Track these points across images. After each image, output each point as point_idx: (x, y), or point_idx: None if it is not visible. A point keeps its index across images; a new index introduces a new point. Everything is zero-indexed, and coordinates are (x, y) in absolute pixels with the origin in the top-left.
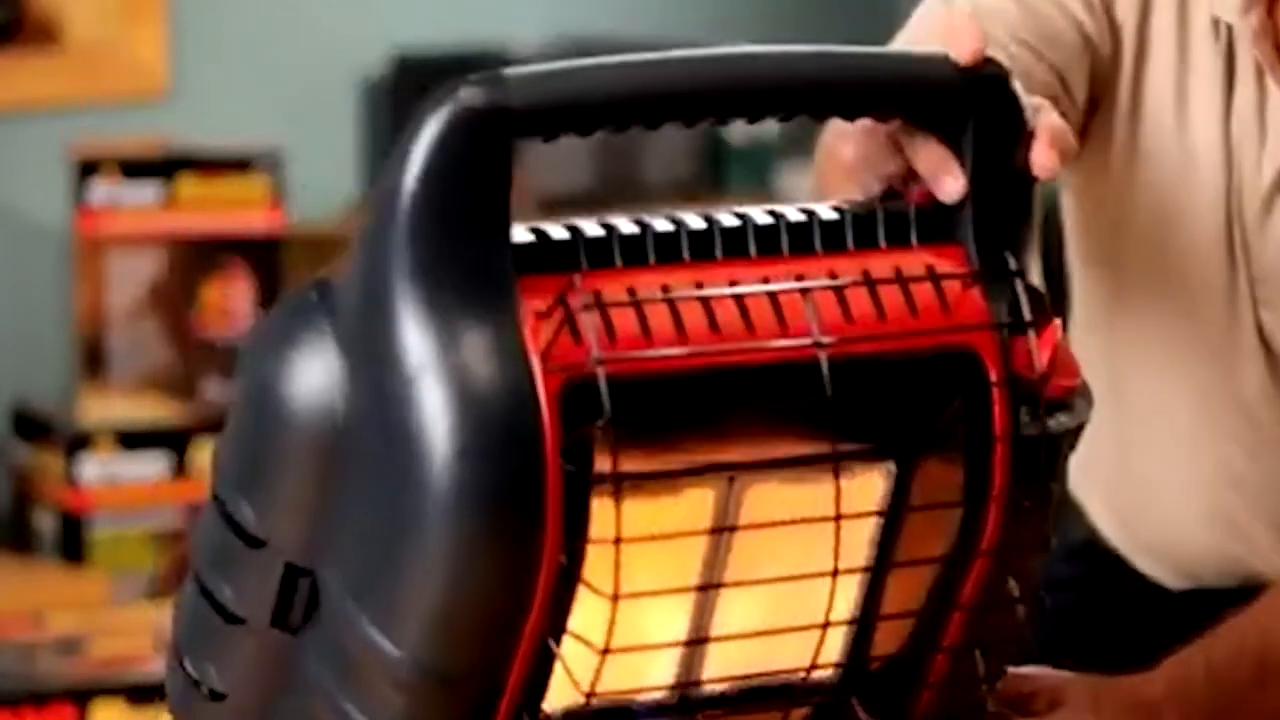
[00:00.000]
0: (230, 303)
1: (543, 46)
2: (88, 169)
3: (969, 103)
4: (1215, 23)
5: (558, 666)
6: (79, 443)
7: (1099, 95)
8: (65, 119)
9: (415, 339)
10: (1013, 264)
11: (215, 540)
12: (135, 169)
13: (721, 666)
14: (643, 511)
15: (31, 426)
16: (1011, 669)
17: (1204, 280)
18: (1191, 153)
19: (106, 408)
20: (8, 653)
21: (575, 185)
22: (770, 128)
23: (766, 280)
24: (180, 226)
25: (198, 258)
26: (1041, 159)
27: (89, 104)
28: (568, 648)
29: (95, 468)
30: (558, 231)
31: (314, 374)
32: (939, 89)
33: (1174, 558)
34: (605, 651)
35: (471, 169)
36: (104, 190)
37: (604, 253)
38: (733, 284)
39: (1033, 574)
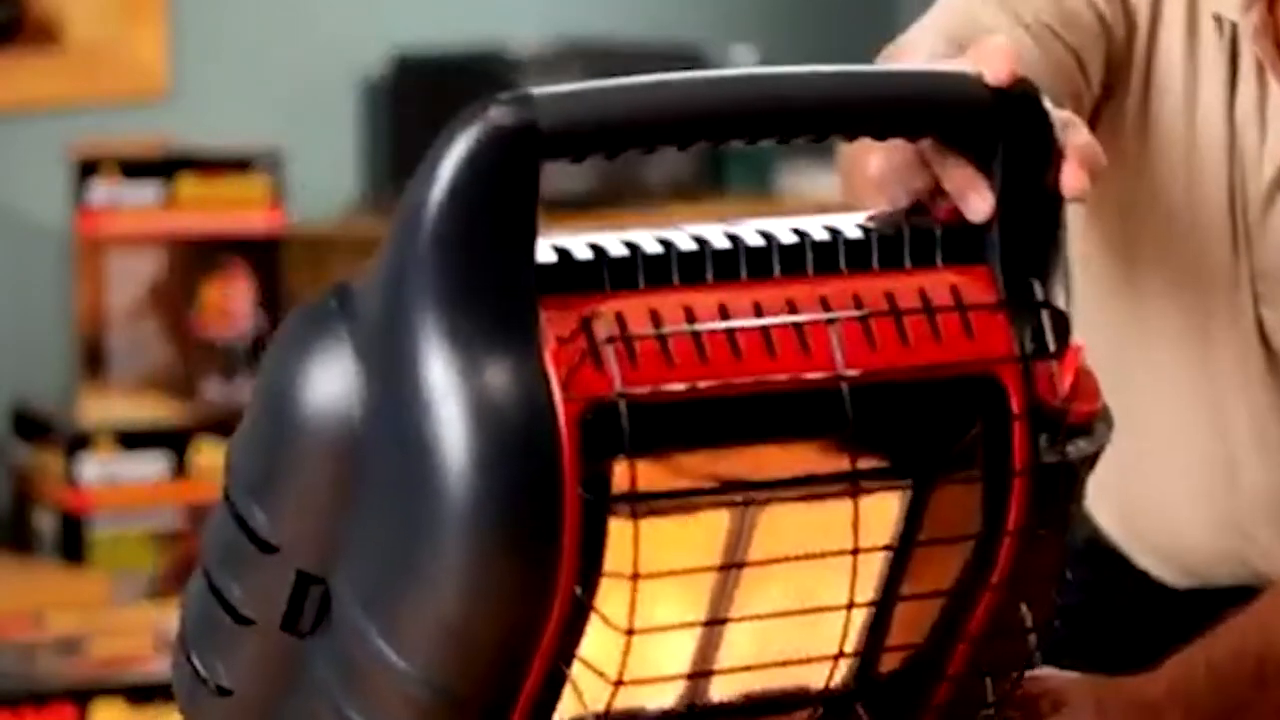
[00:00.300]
0: (230, 303)
1: (542, 47)
2: (88, 169)
3: (1000, 123)
4: (1218, 19)
5: (567, 688)
6: (79, 443)
7: (1113, 80)
8: (65, 119)
9: (436, 361)
10: (1039, 293)
11: (226, 540)
12: (135, 169)
13: (730, 683)
14: (658, 529)
15: (31, 426)
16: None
17: (1211, 274)
18: (1199, 145)
19: (106, 408)
20: (8, 653)
21: (576, 185)
22: None
23: (790, 302)
24: (180, 226)
25: (198, 258)
26: (1071, 180)
27: (89, 104)
28: (579, 670)
29: (95, 468)
30: (581, 250)
31: (331, 382)
32: (971, 109)
33: (1177, 557)
34: (619, 683)
35: (498, 189)
36: (104, 190)
37: (627, 272)
38: (756, 306)
39: (1046, 601)
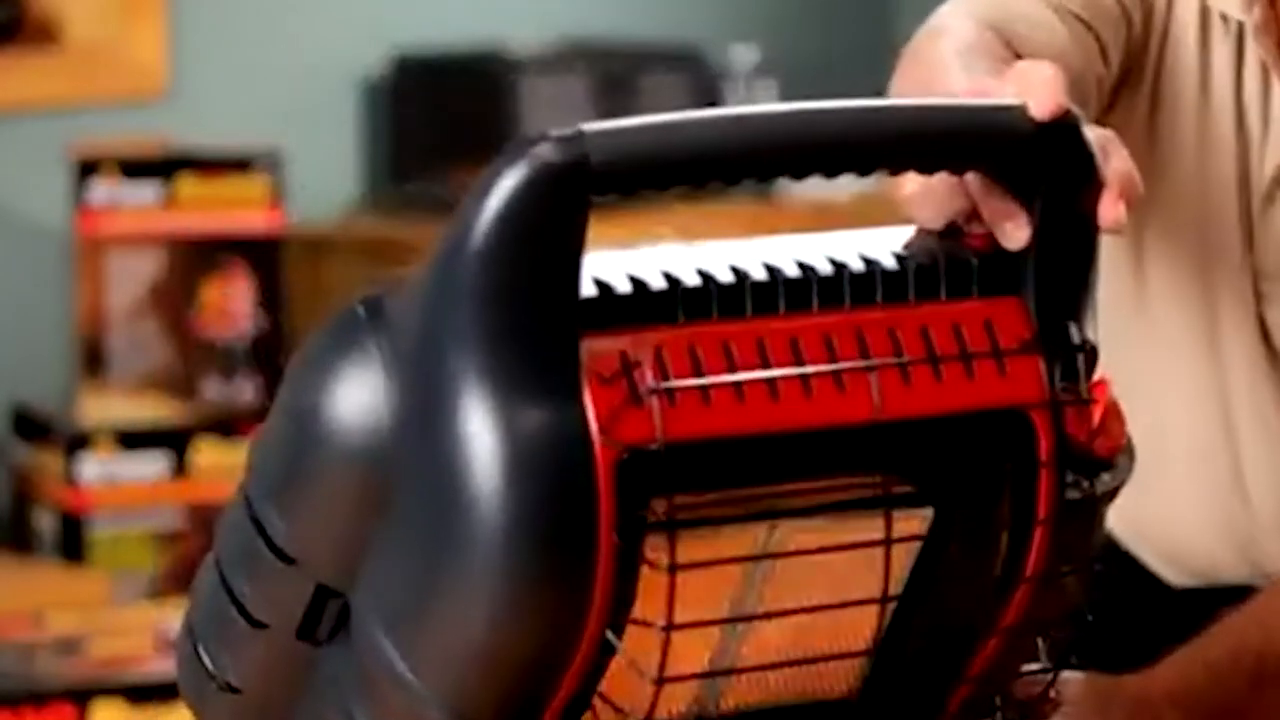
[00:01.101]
0: (230, 303)
1: (543, 47)
2: (88, 169)
3: (1042, 156)
4: (1224, 17)
5: None
6: (79, 443)
7: (1129, 66)
8: (65, 119)
9: (474, 397)
10: (1075, 336)
11: (241, 541)
12: (135, 169)
13: (741, 698)
14: (687, 575)
15: (31, 426)
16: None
17: (1220, 272)
18: (1210, 138)
19: (106, 408)
20: (7, 653)
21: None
22: None
23: (827, 337)
24: (180, 226)
25: (198, 258)
26: (1109, 211)
27: (88, 104)
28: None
29: (95, 468)
30: (620, 282)
31: (359, 394)
32: (1015, 143)
33: (1181, 556)
34: (660, 680)
35: (547, 227)
36: (104, 190)
37: (667, 307)
38: (794, 342)
39: (1062, 633)
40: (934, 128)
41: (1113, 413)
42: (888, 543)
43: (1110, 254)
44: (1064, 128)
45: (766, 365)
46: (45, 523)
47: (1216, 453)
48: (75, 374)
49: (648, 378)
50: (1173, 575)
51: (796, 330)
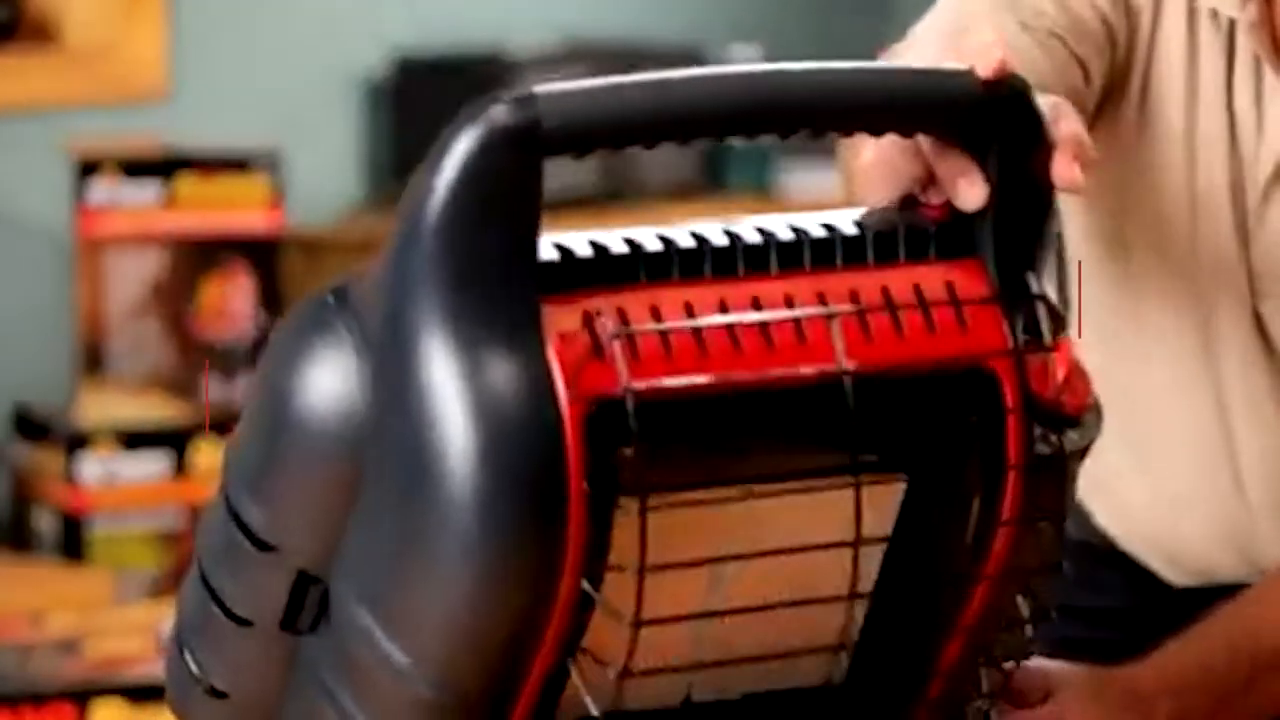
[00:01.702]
0: (230, 303)
1: (543, 47)
2: (87, 169)
3: (991, 117)
4: (1214, 13)
5: (570, 684)
6: (79, 442)
7: (1114, 84)
8: (65, 119)
9: (439, 358)
10: (1034, 286)
11: (222, 539)
12: (135, 169)
13: (726, 677)
14: (659, 524)
15: (31, 426)
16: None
17: (1212, 271)
18: (1200, 140)
19: (106, 407)
20: (7, 652)
21: (576, 185)
22: None
23: (788, 297)
24: (180, 226)
25: (197, 258)
26: (1063, 170)
27: (88, 104)
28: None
29: (95, 467)
30: (582, 247)
31: (332, 379)
32: (962, 105)
33: (1179, 554)
34: (624, 675)
35: (501, 187)
36: (104, 190)
37: (628, 269)
38: (755, 301)
39: (1043, 592)
40: (883, 90)
41: (1077, 372)
42: (856, 486)
43: (1097, 256)
44: (1011, 90)
45: (729, 327)
46: (45, 523)
47: (1213, 449)
48: (75, 374)
49: (609, 327)
50: (1173, 575)
51: (757, 290)
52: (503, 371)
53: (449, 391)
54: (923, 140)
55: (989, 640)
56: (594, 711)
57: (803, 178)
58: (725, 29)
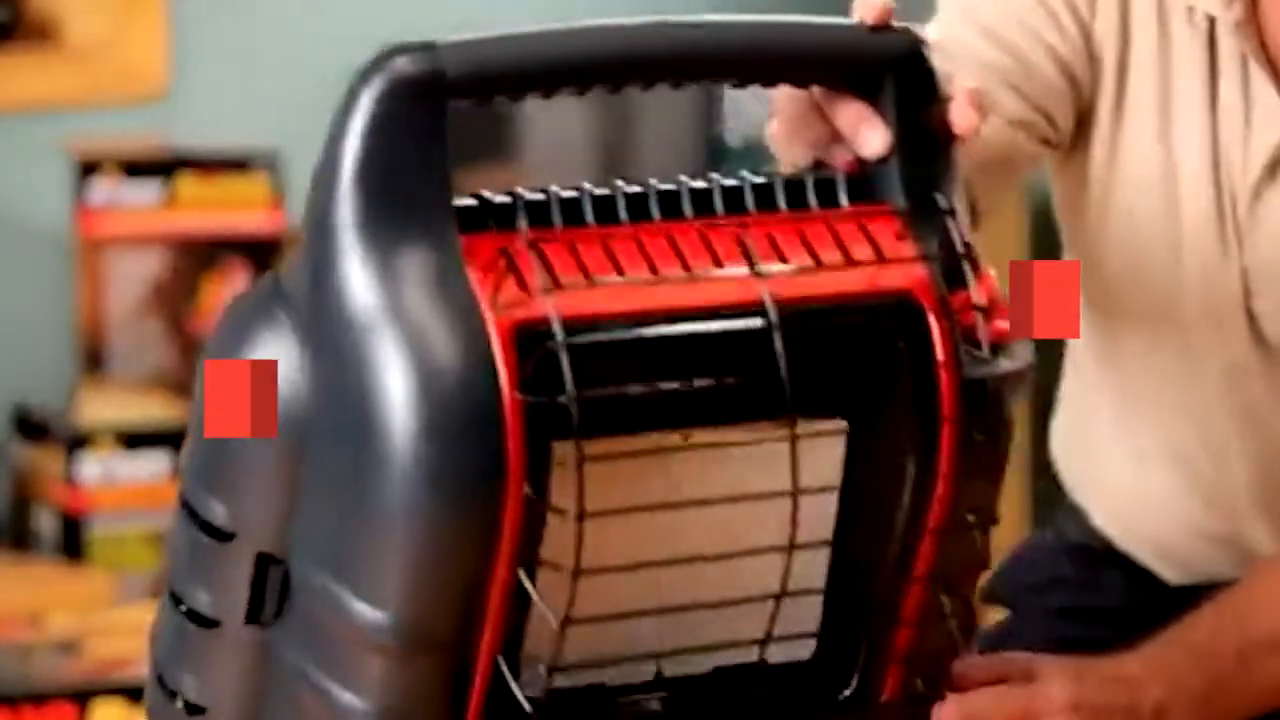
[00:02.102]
0: None
1: None
2: (88, 169)
3: (883, 65)
4: (1190, 11)
5: (531, 631)
6: (79, 443)
7: (1084, 114)
8: (65, 119)
9: (363, 296)
10: (942, 202)
11: (186, 546)
12: (135, 169)
13: (689, 636)
14: (600, 477)
15: (31, 426)
16: (989, 655)
17: (1194, 274)
18: (1177, 152)
19: (106, 408)
20: (7, 653)
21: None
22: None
23: (704, 235)
24: (180, 226)
25: (198, 258)
26: (962, 117)
27: (88, 104)
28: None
29: (95, 467)
30: (498, 197)
31: (275, 360)
32: (849, 53)
33: (1173, 552)
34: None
35: (409, 133)
36: (104, 190)
37: (544, 215)
38: (671, 239)
39: (990, 505)
40: (774, 42)
41: (1001, 301)
42: (791, 424)
43: (1083, 264)
44: (901, 40)
45: (646, 254)
46: (45, 523)
47: (1202, 447)
48: (75, 374)
49: (529, 257)
50: (1169, 574)
51: (673, 230)
52: (425, 298)
53: (375, 329)
54: (821, 98)
55: (948, 576)
56: (553, 622)
57: None
58: None
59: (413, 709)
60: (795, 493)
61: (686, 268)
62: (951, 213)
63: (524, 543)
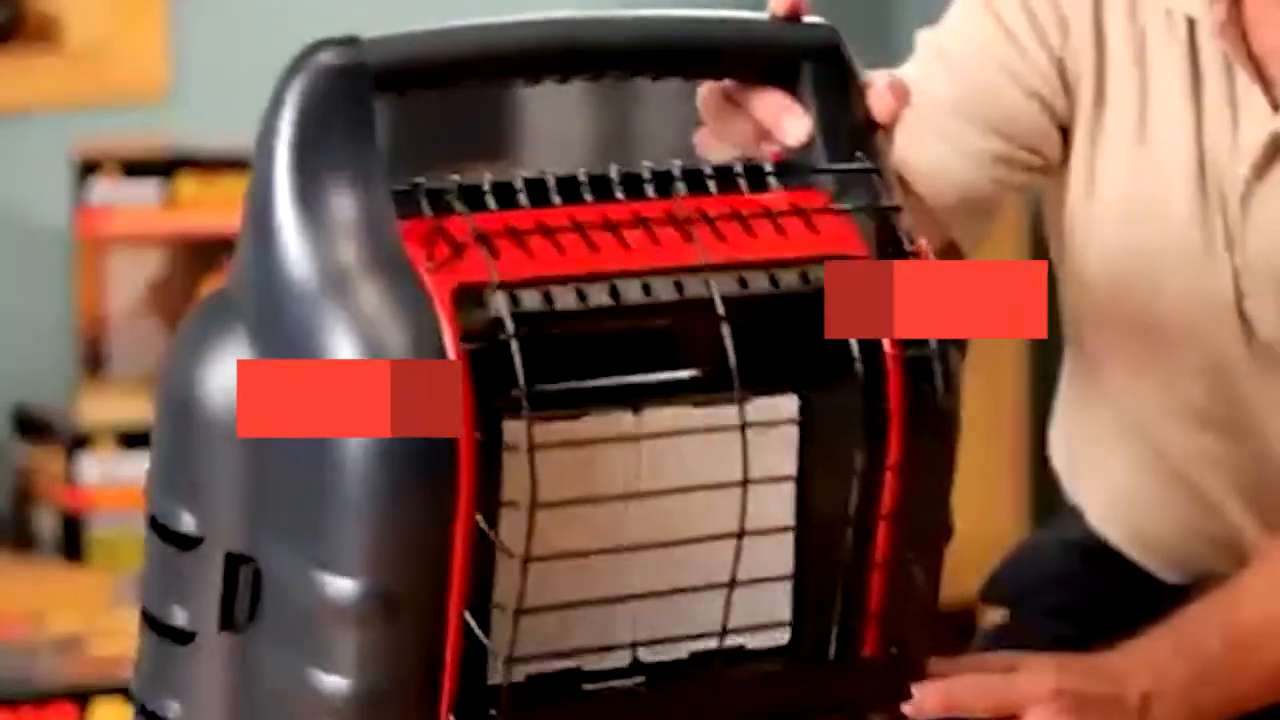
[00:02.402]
0: None
1: None
2: (88, 168)
3: (798, 55)
4: (1169, 15)
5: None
6: (79, 442)
7: (1066, 131)
8: (65, 119)
9: (305, 281)
10: (868, 162)
11: (158, 564)
12: (135, 169)
13: (658, 627)
14: (552, 466)
15: (31, 426)
16: (972, 656)
17: (1182, 277)
18: (1158, 153)
19: (106, 408)
20: (7, 652)
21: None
22: None
23: (637, 213)
24: (180, 226)
25: (198, 257)
26: (881, 102)
27: (89, 104)
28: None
29: (95, 467)
30: (432, 183)
31: (230, 368)
32: (766, 43)
33: (1169, 552)
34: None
35: (337, 123)
36: (104, 190)
37: (476, 197)
38: (605, 217)
39: (944, 463)
40: (694, 35)
41: None
42: (742, 427)
43: (1066, 277)
44: (818, 33)
45: (580, 229)
46: (45, 523)
47: (1194, 445)
48: (75, 374)
49: (467, 230)
50: (1167, 574)
51: (607, 211)
52: (367, 275)
53: (321, 308)
54: (739, 93)
55: (911, 526)
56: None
57: None
58: None
59: (393, 686)
60: (745, 484)
61: (621, 239)
62: (879, 172)
63: (482, 491)
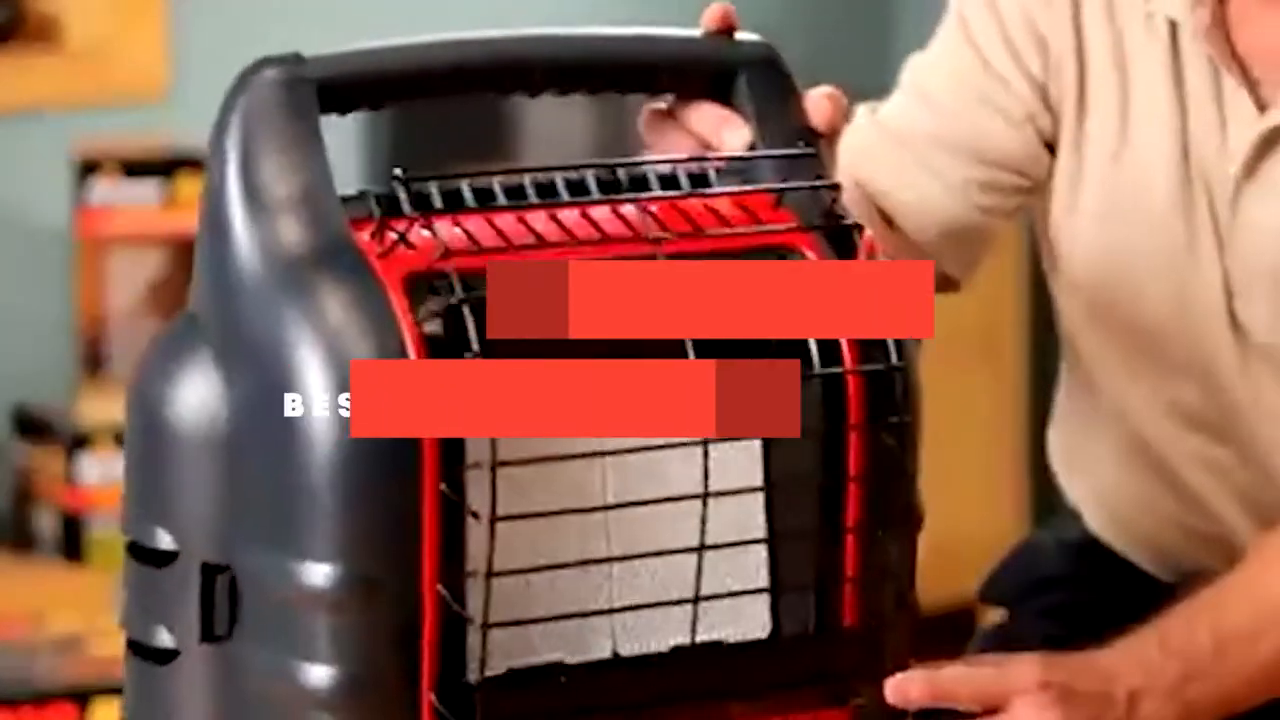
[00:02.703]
0: None
1: None
2: (88, 168)
3: (734, 67)
4: (1149, 18)
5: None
6: (79, 443)
7: (1055, 151)
8: (65, 119)
9: (262, 286)
10: (810, 149)
11: (137, 588)
12: (136, 169)
13: (637, 627)
14: (517, 482)
15: (31, 426)
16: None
17: (1171, 280)
18: (1142, 156)
19: (106, 408)
20: (7, 652)
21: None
22: None
23: (583, 212)
24: (180, 226)
25: None
26: (819, 112)
27: (89, 104)
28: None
29: (95, 467)
30: (378, 189)
31: (197, 386)
32: (701, 57)
33: (1165, 553)
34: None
35: (283, 135)
36: (104, 190)
37: (424, 201)
38: (552, 215)
39: (908, 442)
40: (631, 51)
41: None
42: (706, 445)
43: (1055, 283)
44: (753, 45)
45: (528, 225)
46: (45, 523)
47: (1182, 458)
48: (75, 374)
49: (415, 227)
50: (1164, 574)
51: (553, 212)
52: (321, 273)
53: (279, 312)
54: (674, 107)
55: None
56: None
57: None
58: None
59: (375, 669)
60: (705, 495)
61: (569, 235)
62: (815, 157)
63: (445, 460)
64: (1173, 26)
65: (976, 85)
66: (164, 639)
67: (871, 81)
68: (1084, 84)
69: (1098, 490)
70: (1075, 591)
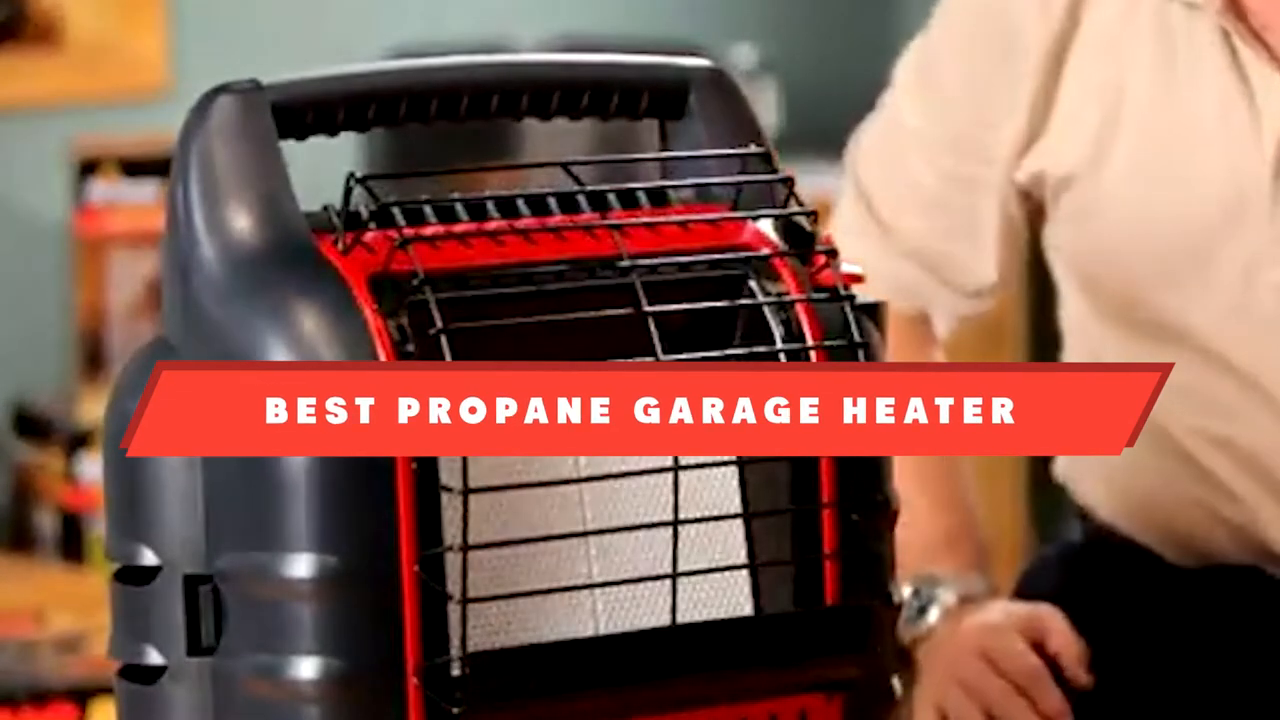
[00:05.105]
0: None
1: (543, 46)
2: (88, 167)
3: (684, 86)
4: (1159, 8)
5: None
6: (79, 442)
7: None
8: (65, 117)
9: (227, 296)
10: (762, 148)
11: (122, 611)
12: (135, 167)
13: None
14: (491, 508)
15: (31, 426)
16: None
17: (1205, 258)
18: (1177, 148)
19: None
20: (8, 651)
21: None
22: None
23: (544, 224)
24: None
25: None
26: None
27: (89, 102)
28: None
29: (95, 467)
30: (339, 206)
31: None
32: (650, 81)
33: (1178, 540)
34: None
35: (240, 159)
36: (104, 189)
37: (385, 216)
38: (512, 224)
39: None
40: (581, 76)
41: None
42: (678, 468)
43: (1073, 274)
44: (701, 64)
45: (491, 237)
46: (45, 522)
47: (1198, 430)
48: (75, 373)
49: (379, 236)
50: (1175, 557)
51: (517, 224)
52: (288, 280)
53: (248, 318)
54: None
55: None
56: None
57: (808, 180)
58: (725, 29)
59: (361, 659)
60: (675, 521)
61: (531, 241)
62: (767, 155)
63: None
64: (1188, 15)
65: (971, 137)
66: (153, 657)
67: (872, 80)
68: (1121, 89)
69: (1114, 480)
70: (1083, 584)
